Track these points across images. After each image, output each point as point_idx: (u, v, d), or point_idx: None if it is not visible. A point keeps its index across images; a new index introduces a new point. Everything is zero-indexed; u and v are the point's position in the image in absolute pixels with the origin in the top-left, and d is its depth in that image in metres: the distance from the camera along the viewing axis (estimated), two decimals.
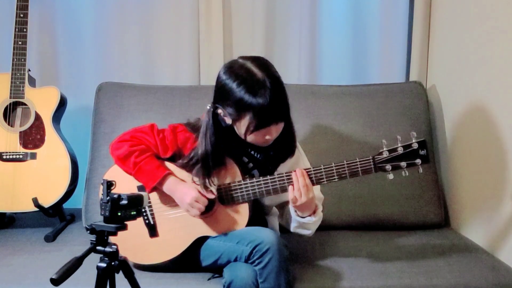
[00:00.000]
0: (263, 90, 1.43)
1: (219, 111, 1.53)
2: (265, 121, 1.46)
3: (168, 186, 1.59)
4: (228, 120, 1.53)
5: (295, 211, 1.57)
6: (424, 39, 2.31)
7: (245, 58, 1.51)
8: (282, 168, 1.63)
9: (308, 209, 1.55)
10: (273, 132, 1.51)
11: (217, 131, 1.55)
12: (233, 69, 1.49)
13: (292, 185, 1.51)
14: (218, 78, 1.52)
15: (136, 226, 1.60)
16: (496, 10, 1.82)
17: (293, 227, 1.63)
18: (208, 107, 1.56)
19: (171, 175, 1.60)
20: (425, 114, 2.14)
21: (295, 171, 1.51)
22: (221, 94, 1.51)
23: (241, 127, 1.50)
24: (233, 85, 1.46)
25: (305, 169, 1.52)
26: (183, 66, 2.37)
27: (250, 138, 1.52)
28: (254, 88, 1.43)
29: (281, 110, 1.49)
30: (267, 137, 1.51)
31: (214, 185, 1.57)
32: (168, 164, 1.63)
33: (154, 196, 1.63)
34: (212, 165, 1.55)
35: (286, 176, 1.53)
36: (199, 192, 1.55)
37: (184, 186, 1.58)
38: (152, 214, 1.63)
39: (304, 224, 1.59)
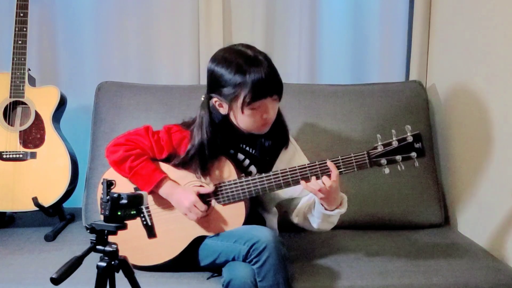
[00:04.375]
0: (256, 65, 1.48)
1: (214, 99, 1.55)
2: (262, 92, 1.49)
3: (165, 190, 1.59)
4: (224, 109, 1.55)
5: (322, 205, 1.55)
6: (424, 38, 2.31)
7: (230, 45, 1.59)
8: (279, 164, 1.63)
9: (336, 201, 1.53)
10: (270, 109, 1.53)
11: (212, 122, 1.57)
12: (221, 55, 1.54)
13: (305, 179, 1.49)
14: (208, 68, 1.56)
15: (134, 227, 1.61)
16: (496, 9, 1.82)
17: (317, 223, 1.61)
18: (202, 99, 1.58)
19: (167, 178, 1.60)
20: (425, 113, 2.14)
21: (327, 160, 1.49)
22: (213, 81, 1.54)
23: (238, 107, 1.51)
24: (223, 67, 1.50)
25: (299, 166, 1.51)
26: (183, 66, 2.37)
27: (248, 121, 1.53)
28: (247, 64, 1.48)
29: (276, 82, 1.52)
30: (265, 115, 1.53)
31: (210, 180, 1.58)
32: (163, 165, 1.63)
33: (150, 198, 1.63)
34: (208, 154, 1.56)
35: (281, 173, 1.52)
36: (197, 196, 1.55)
37: (182, 189, 1.59)
38: (149, 215, 1.63)
39: (332, 217, 1.57)
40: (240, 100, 1.50)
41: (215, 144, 1.57)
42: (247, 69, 1.47)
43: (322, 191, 1.47)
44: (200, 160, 1.57)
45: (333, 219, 1.60)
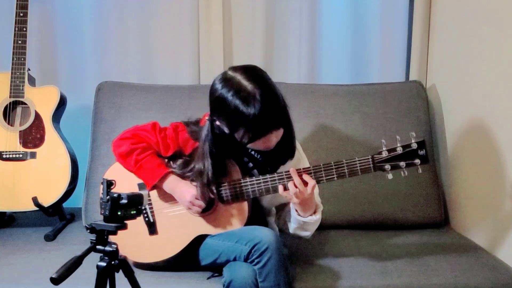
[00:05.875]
0: (253, 103, 1.40)
1: (217, 123, 1.52)
2: (260, 132, 1.45)
3: (169, 184, 1.60)
4: (227, 130, 1.52)
5: (296, 211, 1.57)
6: (424, 38, 2.31)
7: (236, 69, 1.48)
8: (283, 169, 1.62)
9: (309, 207, 1.55)
10: (273, 139, 1.50)
11: (216, 141, 1.53)
12: (225, 82, 1.45)
13: (284, 184, 1.51)
14: (212, 87, 1.48)
15: (136, 224, 1.59)
16: (496, 9, 1.82)
17: (292, 228, 1.63)
18: (206, 119, 1.55)
19: (171, 173, 1.61)
20: (424, 113, 2.14)
21: (290, 169, 1.51)
22: (215, 106, 1.49)
23: (239, 138, 1.49)
24: (226, 96, 1.43)
25: (304, 168, 1.52)
26: (183, 66, 2.37)
27: (251, 145, 1.52)
28: (244, 101, 1.40)
29: (275, 118, 1.46)
30: (266, 144, 1.51)
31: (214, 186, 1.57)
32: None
33: (154, 194, 1.64)
34: (212, 179, 1.54)
35: (285, 175, 1.53)
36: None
37: (184, 184, 1.60)
38: (152, 212, 1.64)
39: (305, 224, 1.58)
40: (239, 136, 1.47)
41: (219, 166, 1.55)
42: (244, 110, 1.40)
43: (297, 196, 1.48)
44: (204, 183, 1.55)
45: (308, 226, 1.60)
